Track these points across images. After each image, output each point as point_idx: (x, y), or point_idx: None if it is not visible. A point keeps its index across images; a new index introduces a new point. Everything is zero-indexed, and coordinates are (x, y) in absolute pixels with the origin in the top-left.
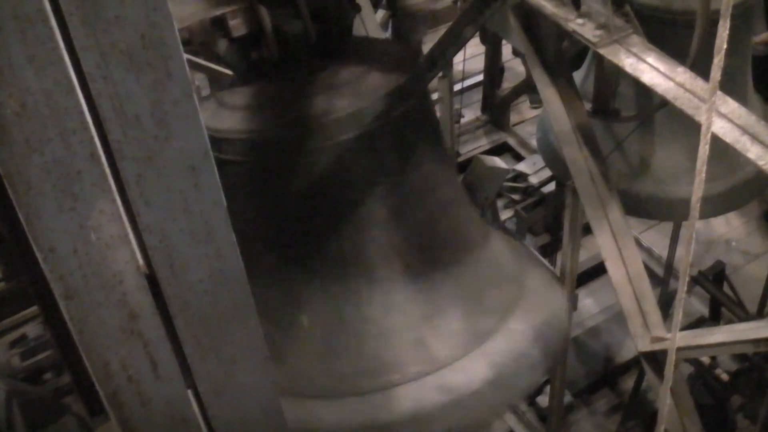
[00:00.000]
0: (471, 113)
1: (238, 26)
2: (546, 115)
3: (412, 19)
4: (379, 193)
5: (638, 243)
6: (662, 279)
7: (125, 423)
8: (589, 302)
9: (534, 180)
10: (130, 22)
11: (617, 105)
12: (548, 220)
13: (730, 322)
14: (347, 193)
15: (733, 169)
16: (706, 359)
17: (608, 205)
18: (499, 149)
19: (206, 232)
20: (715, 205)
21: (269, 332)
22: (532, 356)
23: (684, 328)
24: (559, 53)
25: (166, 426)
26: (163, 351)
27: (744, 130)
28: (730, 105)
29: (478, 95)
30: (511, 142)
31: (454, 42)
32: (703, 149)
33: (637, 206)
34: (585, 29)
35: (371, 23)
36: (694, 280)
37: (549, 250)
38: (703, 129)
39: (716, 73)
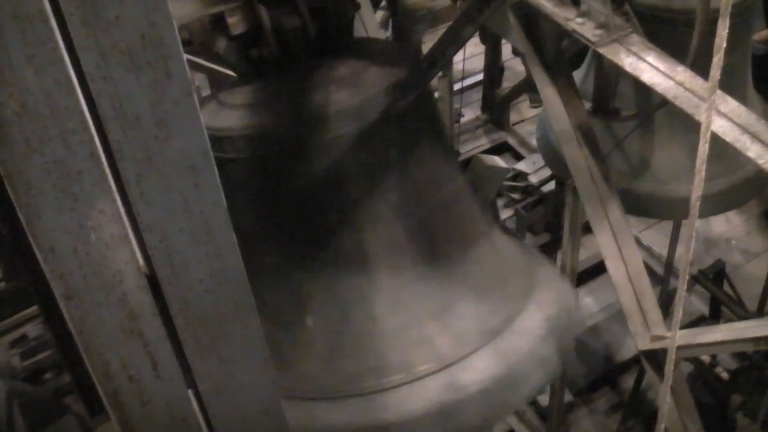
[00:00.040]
0: (471, 112)
1: (236, 24)
2: (546, 114)
3: (411, 19)
4: (383, 189)
5: (638, 242)
6: (662, 278)
7: (125, 423)
8: (589, 301)
9: (534, 179)
10: (130, 22)
11: (617, 104)
12: (548, 219)
13: (730, 320)
14: (350, 189)
15: (733, 167)
16: (706, 358)
17: (608, 204)
18: (499, 148)
19: (206, 232)
20: (715, 204)
21: (274, 334)
22: (543, 352)
23: (684, 327)
24: (558, 52)
25: (167, 426)
26: (163, 351)
27: (744, 128)
28: (729, 104)
29: (477, 94)
30: (511, 141)
31: (453, 41)
32: (703, 148)
33: (637, 205)
34: (585, 28)
35: (371, 23)
36: (694, 279)
37: (549, 249)
38: (703, 128)
39: (716, 72)
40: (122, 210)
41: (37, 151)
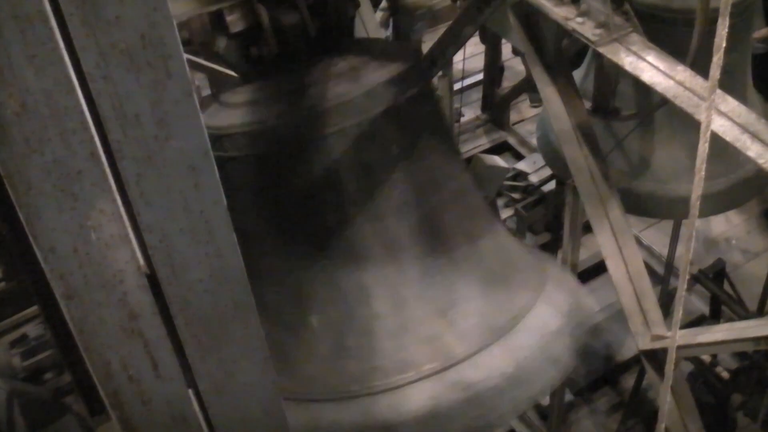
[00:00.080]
0: (471, 112)
1: (235, 22)
2: (546, 113)
3: (411, 18)
4: (386, 184)
5: (638, 241)
6: (662, 277)
7: (126, 422)
8: (589, 300)
9: (534, 179)
10: (130, 22)
11: (617, 103)
12: (548, 219)
13: (730, 320)
14: (353, 185)
15: (733, 167)
16: (706, 357)
17: (608, 204)
18: (499, 148)
19: (206, 232)
20: (715, 203)
21: (278, 336)
22: (555, 349)
23: (684, 327)
24: (558, 52)
25: (167, 425)
26: (163, 350)
27: (744, 128)
28: (729, 103)
29: (477, 94)
30: (511, 140)
31: (453, 41)
32: (703, 147)
33: (637, 204)
34: (585, 28)
35: (371, 23)
36: (695, 279)
37: (549, 249)
38: (703, 127)
39: (716, 71)
40: (122, 210)
41: (37, 151)
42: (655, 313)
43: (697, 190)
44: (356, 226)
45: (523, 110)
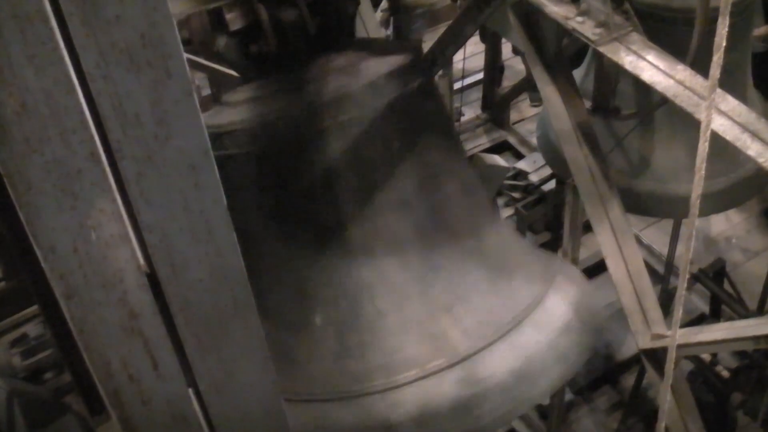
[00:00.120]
0: (471, 111)
1: (235, 19)
2: (546, 113)
3: (411, 17)
4: (389, 179)
5: (638, 240)
6: (662, 276)
7: (126, 422)
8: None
9: (534, 178)
10: (130, 21)
11: (617, 103)
12: (548, 218)
13: (730, 319)
14: (355, 180)
15: (733, 166)
16: (706, 356)
17: (608, 203)
18: (499, 147)
19: (206, 231)
20: (715, 203)
21: (280, 336)
22: (564, 344)
23: (684, 326)
24: (558, 51)
25: (167, 425)
26: (163, 350)
27: (744, 127)
28: (729, 102)
29: (478, 93)
30: (511, 140)
31: (453, 40)
32: (703, 146)
33: (637, 204)
34: (585, 27)
35: (371, 22)
36: (695, 278)
37: (549, 248)
38: (703, 126)
39: (716, 70)
40: (122, 209)
41: (37, 151)
42: (655, 312)
43: (697, 189)
44: (358, 223)
45: (523, 109)
